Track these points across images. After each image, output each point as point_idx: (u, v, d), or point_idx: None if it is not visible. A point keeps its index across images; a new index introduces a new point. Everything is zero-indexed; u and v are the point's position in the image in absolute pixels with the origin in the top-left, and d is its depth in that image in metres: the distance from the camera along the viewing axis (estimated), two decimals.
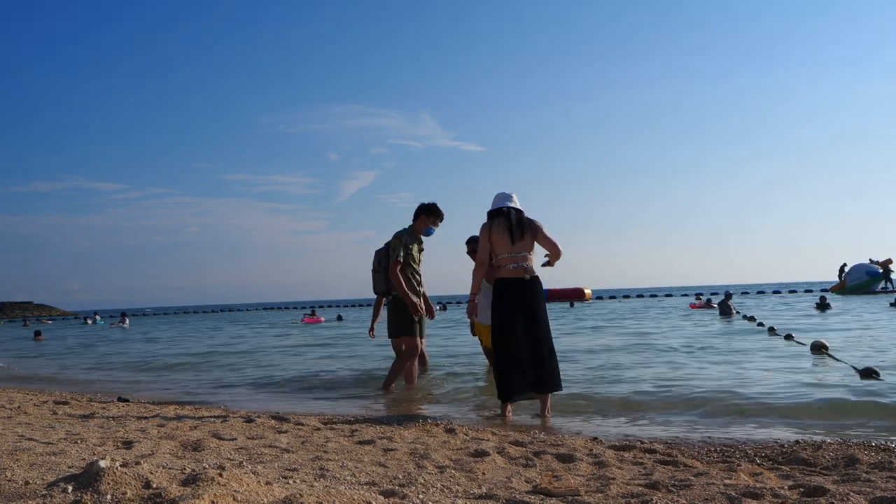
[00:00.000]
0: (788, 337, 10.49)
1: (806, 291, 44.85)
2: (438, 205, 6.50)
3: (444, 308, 35.78)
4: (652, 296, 53.03)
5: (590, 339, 12.87)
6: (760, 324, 13.82)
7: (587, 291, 46.98)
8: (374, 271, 6.69)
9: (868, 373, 6.26)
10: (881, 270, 32.84)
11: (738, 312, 18.71)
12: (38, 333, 23.57)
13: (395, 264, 6.27)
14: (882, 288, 32.88)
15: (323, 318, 28.73)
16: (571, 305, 25.97)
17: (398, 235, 6.41)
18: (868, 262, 33.45)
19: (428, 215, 6.45)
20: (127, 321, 32.12)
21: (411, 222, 6.50)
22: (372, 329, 7.52)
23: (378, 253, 6.70)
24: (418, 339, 6.45)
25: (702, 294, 37.81)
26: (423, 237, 6.55)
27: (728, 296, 19.91)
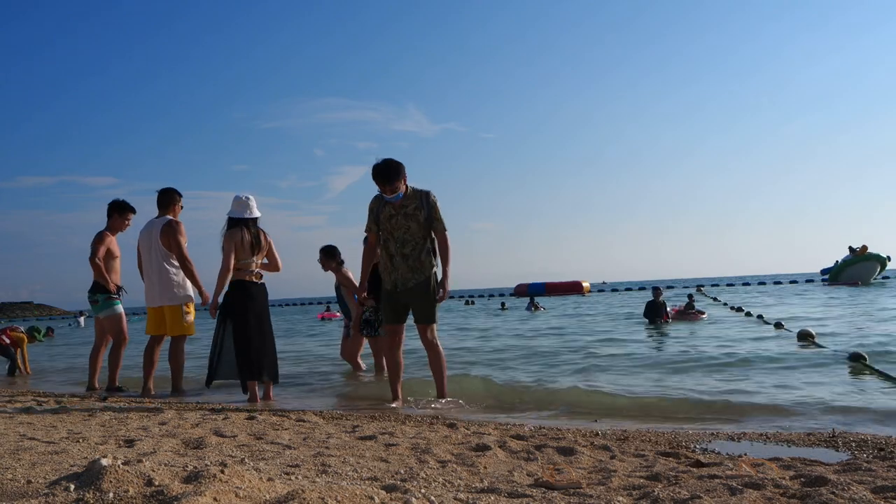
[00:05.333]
0: None
1: (807, 282, 44.96)
2: (376, 166, 5.24)
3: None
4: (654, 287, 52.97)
5: (589, 336, 12.91)
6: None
7: (585, 285, 47.01)
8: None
9: (856, 358, 6.37)
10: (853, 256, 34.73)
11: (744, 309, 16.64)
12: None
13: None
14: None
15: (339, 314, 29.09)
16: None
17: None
18: (847, 250, 35.19)
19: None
20: (82, 320, 34.22)
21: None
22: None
23: None
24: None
25: (702, 286, 37.63)
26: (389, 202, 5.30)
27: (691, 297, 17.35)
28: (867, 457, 3.22)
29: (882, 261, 34.98)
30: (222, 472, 2.17)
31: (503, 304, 27.82)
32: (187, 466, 2.46)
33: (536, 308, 23.89)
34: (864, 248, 35.07)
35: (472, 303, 36.22)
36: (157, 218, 6.65)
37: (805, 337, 8.54)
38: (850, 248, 35.52)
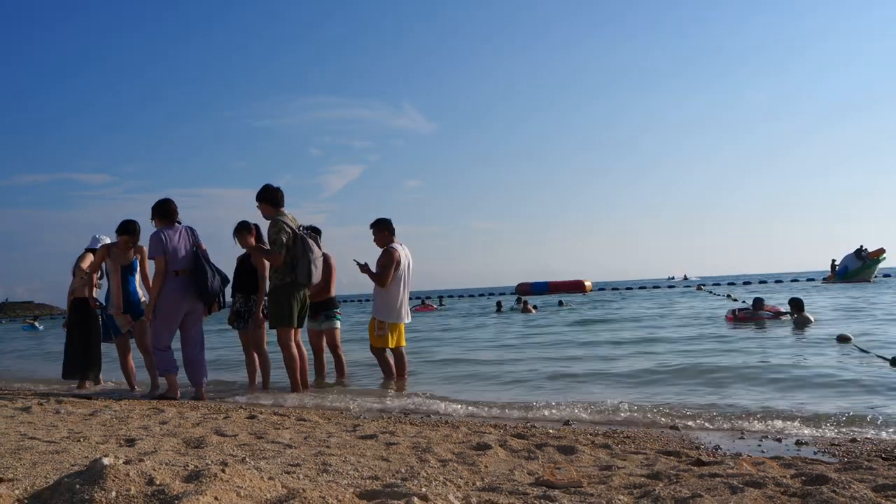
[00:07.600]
0: None
1: (808, 280, 45.04)
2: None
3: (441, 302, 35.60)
4: (654, 287, 53.04)
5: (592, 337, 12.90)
6: None
7: (587, 283, 47.10)
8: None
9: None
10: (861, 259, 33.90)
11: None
12: None
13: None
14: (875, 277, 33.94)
15: (434, 307, 30.28)
16: (560, 304, 25.94)
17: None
18: (862, 249, 34.28)
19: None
20: (37, 322, 35.76)
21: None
22: None
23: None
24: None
25: (703, 284, 37.41)
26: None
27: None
28: (868, 455, 3.22)
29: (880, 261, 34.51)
30: (223, 471, 2.17)
31: (499, 303, 26.13)
32: (188, 466, 2.46)
33: (527, 309, 22.06)
34: (881, 250, 33.63)
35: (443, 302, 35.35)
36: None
37: (844, 340, 8.49)
38: (861, 249, 33.98)
